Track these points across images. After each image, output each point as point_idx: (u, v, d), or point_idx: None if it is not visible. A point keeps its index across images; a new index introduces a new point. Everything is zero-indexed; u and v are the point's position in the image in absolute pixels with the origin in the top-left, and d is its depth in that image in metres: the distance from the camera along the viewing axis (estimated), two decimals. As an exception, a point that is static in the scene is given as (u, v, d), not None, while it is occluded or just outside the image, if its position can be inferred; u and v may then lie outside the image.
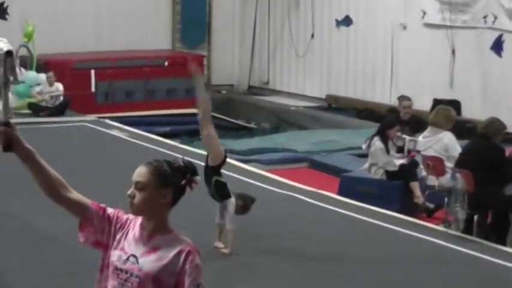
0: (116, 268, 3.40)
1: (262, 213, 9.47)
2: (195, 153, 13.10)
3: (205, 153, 13.18)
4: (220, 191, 8.09)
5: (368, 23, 18.54)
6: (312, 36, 19.90)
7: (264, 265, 7.88)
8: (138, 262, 3.38)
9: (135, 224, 3.45)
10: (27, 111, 16.58)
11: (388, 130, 10.89)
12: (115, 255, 3.42)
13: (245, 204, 8.16)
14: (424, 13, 17.18)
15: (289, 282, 7.54)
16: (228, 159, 12.66)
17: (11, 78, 3.44)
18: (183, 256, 3.38)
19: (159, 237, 3.41)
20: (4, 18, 18.93)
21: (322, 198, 10.34)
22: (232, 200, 8.06)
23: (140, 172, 3.41)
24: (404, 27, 17.69)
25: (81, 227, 3.49)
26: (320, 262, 8.04)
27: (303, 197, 10.38)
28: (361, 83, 18.77)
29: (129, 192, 3.40)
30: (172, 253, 3.38)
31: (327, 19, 19.56)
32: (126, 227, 3.46)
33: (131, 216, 3.47)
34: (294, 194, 10.50)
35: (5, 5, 18.96)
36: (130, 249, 3.41)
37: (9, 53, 3.43)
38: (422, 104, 15.51)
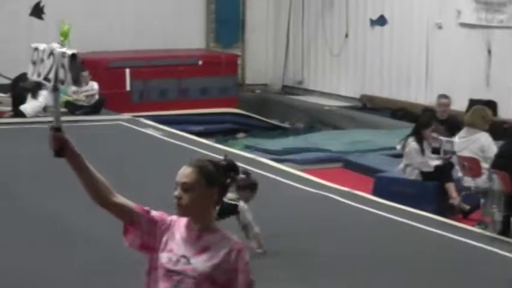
0: (168, 270, 3.39)
1: (296, 213, 9.45)
2: (228, 152, 13.11)
3: (239, 152, 13.22)
4: (225, 213, 7.67)
5: (403, 23, 18.43)
6: (346, 35, 19.82)
7: (298, 265, 7.86)
8: (190, 262, 3.38)
9: (180, 225, 3.45)
10: (63, 109, 16.69)
11: (423, 130, 10.81)
12: (164, 258, 3.40)
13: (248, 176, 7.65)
14: (460, 13, 17.04)
15: (323, 282, 7.51)
16: (262, 159, 12.73)
17: (69, 81, 3.40)
18: (234, 254, 3.39)
19: (207, 237, 3.41)
20: (41, 18, 19.08)
21: (356, 199, 10.29)
22: (242, 207, 7.76)
23: (186, 173, 3.41)
24: (440, 27, 17.57)
25: (125, 231, 3.48)
26: (354, 262, 8.00)
27: (337, 197, 10.34)
28: (396, 83, 18.66)
29: (176, 193, 3.39)
30: (223, 252, 3.39)
31: (361, 18, 19.47)
32: (171, 229, 3.45)
33: (174, 217, 3.47)
34: (328, 194, 10.46)
35: (41, 5, 19.11)
36: (180, 251, 3.40)
37: (73, 56, 3.40)
38: (458, 104, 15.39)
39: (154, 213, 3.48)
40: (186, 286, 3.37)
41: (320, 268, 7.82)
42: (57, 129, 3.41)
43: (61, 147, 3.41)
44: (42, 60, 3.45)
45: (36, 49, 3.51)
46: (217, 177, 3.42)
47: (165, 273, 3.39)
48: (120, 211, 3.46)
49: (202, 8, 21.08)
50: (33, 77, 3.49)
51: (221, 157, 3.55)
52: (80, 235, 8.57)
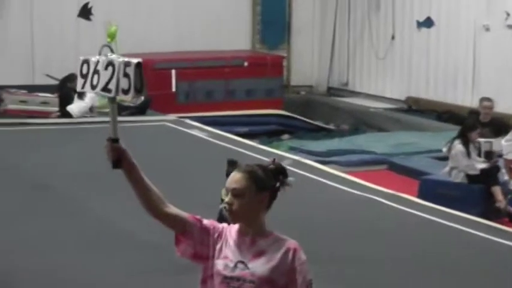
0: (225, 277, 3.39)
1: (340, 215, 9.44)
2: (273, 154, 13.12)
3: (283, 153, 13.25)
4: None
5: (450, 25, 18.29)
6: (393, 37, 19.73)
7: (341, 267, 7.84)
8: (247, 267, 3.38)
9: (232, 232, 3.45)
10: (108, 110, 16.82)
11: (469, 133, 10.73)
12: (220, 265, 3.40)
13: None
14: (508, 14, 16.87)
15: (368, 284, 7.49)
16: (306, 161, 12.72)
17: (132, 90, 3.36)
18: (290, 255, 3.39)
19: (261, 241, 3.41)
20: (88, 19, 19.28)
21: (401, 201, 10.24)
22: None
23: (236, 179, 3.41)
24: (487, 29, 17.40)
25: (177, 240, 3.47)
26: (398, 265, 7.96)
27: (381, 200, 10.30)
28: (442, 85, 18.53)
29: (227, 199, 3.39)
30: (279, 254, 3.39)
31: (407, 20, 19.37)
32: (224, 236, 3.45)
33: (225, 224, 3.47)
34: (372, 196, 10.43)
35: (89, 6, 19.30)
36: (235, 256, 3.40)
37: (139, 65, 3.38)
38: (505, 106, 15.24)
39: (206, 222, 3.48)
40: None
41: (364, 270, 7.80)
42: (114, 140, 3.41)
43: (119, 159, 3.41)
44: (96, 72, 3.42)
45: (86, 61, 3.48)
46: (267, 182, 3.42)
47: (222, 280, 3.39)
48: (173, 221, 3.46)
49: (248, 10, 21.13)
50: (84, 89, 3.48)
51: (268, 160, 3.54)
52: (124, 236, 8.64)
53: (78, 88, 3.51)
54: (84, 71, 3.46)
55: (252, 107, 18.64)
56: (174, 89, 18.47)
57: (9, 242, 8.40)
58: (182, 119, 16.17)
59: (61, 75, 16.80)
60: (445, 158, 11.52)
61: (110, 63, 3.39)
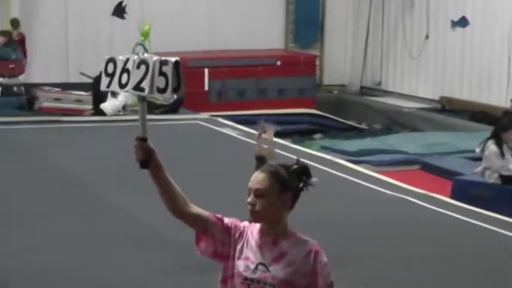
0: (246, 278, 3.37)
1: (373, 215, 9.40)
2: (305, 153, 13.12)
3: (315, 152, 13.24)
4: None
5: (485, 24, 18.16)
6: (427, 37, 19.63)
7: (373, 267, 7.82)
8: (268, 270, 3.36)
9: (253, 232, 3.43)
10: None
11: (503, 133, 10.64)
12: (241, 266, 3.38)
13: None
14: (544, 14, 16.73)
15: (398, 285, 7.46)
16: (338, 160, 12.69)
17: (169, 89, 3.31)
18: (312, 257, 3.38)
19: (283, 242, 3.39)
20: (122, 17, 19.39)
21: (434, 202, 10.18)
22: None
23: (259, 179, 3.38)
24: (523, 28, 17.27)
25: (198, 239, 3.45)
26: (431, 266, 7.92)
27: (414, 200, 10.25)
28: (477, 85, 18.40)
29: (249, 200, 3.37)
30: (301, 255, 3.38)
31: (442, 20, 19.26)
32: (245, 236, 3.42)
33: (246, 223, 3.45)
34: (405, 197, 10.38)
35: (123, 4, 19.41)
36: (257, 258, 3.38)
37: (177, 64, 3.32)
38: (540, 107, 15.10)
39: (227, 221, 3.45)
40: None
41: (395, 270, 7.77)
42: (143, 140, 3.38)
43: (147, 159, 3.37)
44: (125, 71, 3.36)
45: (111, 60, 3.42)
46: (290, 182, 3.39)
47: (242, 281, 3.37)
48: (194, 221, 3.44)
49: (281, 9, 21.13)
50: (109, 88, 3.42)
51: (293, 160, 3.52)
52: (151, 234, 8.67)
53: (103, 87, 3.44)
54: (110, 69, 3.41)
55: (284, 106, 18.64)
56: (206, 88, 18.51)
57: (41, 239, 8.47)
58: (214, 118, 16.21)
59: (95, 73, 16.91)
60: (478, 159, 11.44)
61: (143, 62, 3.33)
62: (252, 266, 3.37)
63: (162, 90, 3.33)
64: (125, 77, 3.37)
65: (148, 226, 8.91)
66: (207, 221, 3.43)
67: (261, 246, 3.39)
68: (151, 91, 3.33)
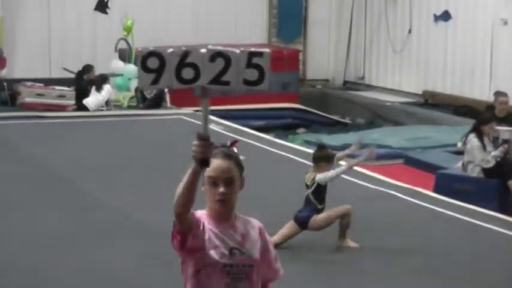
0: (225, 265, 3.35)
1: (356, 209, 9.41)
2: (289, 148, 13.13)
3: (299, 147, 13.23)
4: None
5: (467, 18, 18.21)
6: (409, 31, 19.67)
7: (359, 262, 7.83)
8: (243, 252, 3.39)
9: (205, 220, 3.39)
10: (124, 103, 16.88)
11: (483, 126, 10.68)
12: (214, 255, 3.35)
13: None
14: (526, 8, 16.79)
15: (384, 278, 7.48)
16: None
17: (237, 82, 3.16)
18: (263, 234, 3.48)
19: (238, 223, 3.43)
20: (105, 12, 19.31)
21: (417, 195, 10.21)
22: (321, 178, 7.98)
23: (224, 167, 3.36)
24: (505, 23, 17.31)
25: (181, 235, 3.36)
26: (416, 260, 7.94)
27: (397, 194, 10.28)
28: (459, 79, 18.46)
29: (222, 190, 3.34)
30: (256, 233, 3.46)
31: (425, 14, 19.30)
32: (204, 226, 3.38)
33: (199, 213, 3.40)
34: (388, 191, 10.41)
35: (105, 0, 19.33)
36: (226, 244, 3.37)
37: (257, 54, 3.21)
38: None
39: (196, 214, 3.40)
40: (244, 276, 3.38)
41: (380, 264, 7.78)
42: (207, 139, 3.21)
43: (208, 157, 3.19)
44: (187, 65, 3.15)
45: (153, 54, 3.13)
46: (241, 163, 3.44)
47: (221, 269, 3.36)
48: (188, 219, 3.35)
49: (264, 3, 21.12)
50: (159, 86, 3.17)
51: (224, 139, 3.50)
52: (138, 228, 8.66)
53: (145, 84, 3.15)
54: (153, 65, 3.13)
55: (268, 101, 18.62)
56: (190, 83, 18.45)
57: (23, 234, 8.43)
58: (198, 112, 16.18)
59: (78, 68, 16.86)
60: (461, 153, 11.47)
61: (220, 55, 3.18)
62: (227, 252, 3.36)
63: (252, 83, 3.23)
64: (188, 71, 3.17)
65: (134, 220, 8.89)
66: (192, 217, 3.39)
67: (222, 232, 3.38)
68: (237, 84, 3.22)
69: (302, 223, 7.98)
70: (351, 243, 8.09)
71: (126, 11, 18.30)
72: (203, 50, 3.16)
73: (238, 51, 3.19)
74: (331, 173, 8.02)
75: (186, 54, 3.15)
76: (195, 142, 3.19)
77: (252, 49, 3.22)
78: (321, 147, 8.27)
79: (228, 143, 3.50)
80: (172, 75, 3.15)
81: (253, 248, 3.42)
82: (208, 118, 3.26)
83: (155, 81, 3.14)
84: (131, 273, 7.42)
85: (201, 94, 3.23)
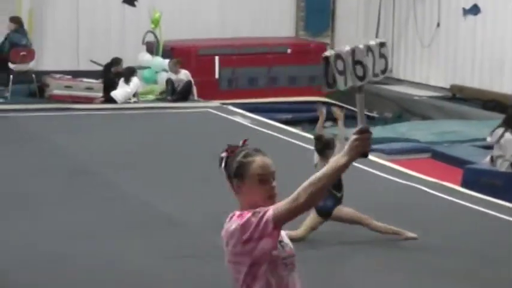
0: (284, 258, 3.38)
1: (384, 203, 9.39)
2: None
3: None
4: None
5: (496, 12, 18.06)
6: (438, 25, 19.55)
7: (383, 255, 7.81)
8: (286, 244, 3.44)
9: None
10: (152, 96, 16.93)
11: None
12: (276, 250, 3.35)
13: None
14: (556, 2, 16.62)
15: (409, 273, 7.45)
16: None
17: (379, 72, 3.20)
18: None
19: None
20: (133, 5, 19.36)
21: (444, 190, 10.17)
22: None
23: (270, 163, 3.44)
24: (535, 16, 17.16)
25: (271, 235, 3.32)
26: (442, 255, 7.91)
27: (425, 188, 10.23)
28: (488, 73, 18.32)
29: (274, 185, 3.40)
30: None
31: (453, 8, 19.16)
32: None
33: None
34: (415, 185, 10.36)
35: (134, -8, 19.39)
36: (274, 238, 3.34)
37: (382, 44, 3.24)
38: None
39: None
40: (293, 267, 3.42)
41: (406, 259, 7.76)
42: (370, 131, 3.29)
43: (369, 149, 3.28)
44: (357, 63, 3.20)
45: (338, 56, 3.19)
46: None
47: (281, 263, 3.37)
48: None
49: (292, -4, 21.07)
50: (348, 85, 3.22)
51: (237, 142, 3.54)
52: (163, 221, 8.69)
53: (342, 87, 3.23)
54: (341, 67, 3.20)
55: (295, 94, 18.61)
56: (217, 76, 18.49)
57: (51, 226, 8.49)
58: (225, 106, 16.20)
59: (106, 60, 16.92)
60: (489, 147, 11.39)
61: (369, 49, 3.23)
62: (279, 246, 3.39)
63: (382, 72, 3.29)
64: (359, 69, 3.22)
65: (159, 212, 8.92)
66: None
67: None
68: (375, 75, 3.28)
69: (327, 213, 8.02)
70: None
71: (154, 3, 18.33)
72: (360, 46, 3.21)
73: (373, 42, 3.24)
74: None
75: (353, 51, 3.20)
76: (358, 136, 3.24)
77: (378, 40, 3.26)
78: (318, 138, 8.27)
79: (241, 143, 3.55)
80: (351, 74, 3.22)
81: (286, 238, 3.47)
82: (364, 111, 3.33)
83: (347, 82, 3.24)
84: (156, 266, 7.44)
85: (357, 90, 3.26)
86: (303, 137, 13.41)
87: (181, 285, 7.09)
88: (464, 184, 10.78)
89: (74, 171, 10.77)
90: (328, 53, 3.19)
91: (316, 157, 8.19)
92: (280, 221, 3.28)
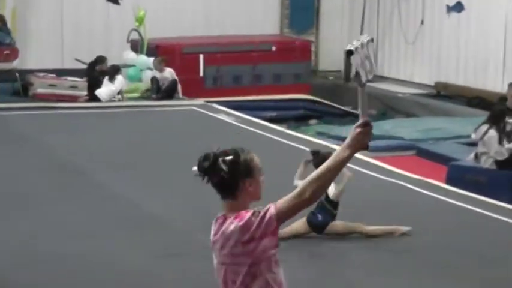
0: (274, 255, 3.38)
1: (369, 201, 9.41)
2: (299, 139, 13.11)
3: (311, 138, 13.18)
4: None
5: (480, 9, 18.12)
6: (422, 22, 19.60)
7: (367, 252, 7.83)
8: None
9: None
10: (137, 94, 16.90)
11: (501, 119, 10.65)
12: (274, 251, 3.37)
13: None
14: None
15: (394, 270, 7.47)
16: (334, 146, 12.68)
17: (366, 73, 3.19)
18: None
19: None
20: (117, 3, 19.31)
21: (429, 187, 10.19)
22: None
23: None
24: (519, 13, 17.22)
25: (273, 232, 3.34)
26: (426, 251, 7.93)
27: (410, 185, 10.26)
28: (472, 70, 18.38)
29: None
30: None
31: (437, 5, 19.20)
32: None
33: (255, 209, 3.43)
34: (400, 182, 10.39)
35: (118, -10, 19.33)
36: (276, 235, 3.35)
37: (372, 41, 3.26)
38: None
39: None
40: (279, 263, 3.41)
41: (390, 256, 7.78)
42: (371, 124, 3.35)
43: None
44: (366, 57, 3.23)
45: (357, 50, 3.19)
46: None
47: (273, 260, 3.37)
48: None
49: (276, -6, 21.06)
50: (364, 80, 3.24)
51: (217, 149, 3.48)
52: (151, 220, 8.67)
53: (364, 80, 3.24)
54: (359, 61, 3.24)
55: (280, 92, 18.62)
56: (201, 74, 18.47)
57: (36, 225, 8.46)
58: (210, 104, 16.19)
59: (90, 59, 16.87)
60: (473, 144, 11.43)
61: (370, 42, 3.27)
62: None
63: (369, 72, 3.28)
64: (367, 63, 3.26)
65: (146, 212, 8.90)
66: None
67: None
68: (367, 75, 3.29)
69: (317, 228, 8.02)
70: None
71: (139, 1, 18.28)
72: (365, 40, 3.23)
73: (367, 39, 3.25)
74: (340, 186, 7.99)
75: (362, 46, 3.22)
76: (362, 129, 3.29)
77: (368, 36, 3.28)
78: (314, 153, 8.07)
79: (216, 148, 3.49)
80: (362, 69, 3.23)
81: None
82: (367, 104, 3.35)
83: (366, 76, 3.27)
84: (145, 264, 7.43)
85: (360, 84, 3.26)
86: (287, 135, 13.42)
87: (172, 283, 7.08)
88: (449, 181, 10.81)
89: (57, 169, 10.73)
90: (352, 46, 3.18)
91: (299, 172, 8.01)
92: (283, 217, 3.29)
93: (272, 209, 3.29)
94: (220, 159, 3.37)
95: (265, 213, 3.29)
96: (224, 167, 3.35)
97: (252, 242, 3.29)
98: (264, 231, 3.28)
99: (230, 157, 3.38)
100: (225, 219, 3.37)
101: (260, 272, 3.34)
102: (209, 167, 3.37)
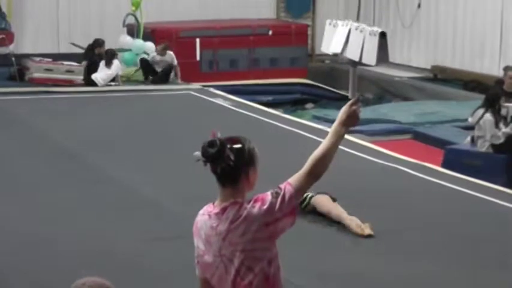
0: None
1: (365, 185, 9.42)
2: (296, 123, 13.11)
3: (307, 122, 13.18)
4: None
5: (477, -8, 18.10)
6: (419, 6, 19.57)
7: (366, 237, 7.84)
8: None
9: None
10: (133, 78, 16.89)
11: (497, 102, 10.66)
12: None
13: None
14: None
15: (392, 255, 7.49)
16: (330, 130, 12.67)
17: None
18: None
19: None
20: (112, -13, 19.26)
21: (425, 171, 10.20)
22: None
23: None
24: (516, -3, 17.21)
25: (292, 213, 3.37)
26: (423, 235, 7.95)
27: (406, 169, 10.27)
28: (469, 53, 18.37)
29: None
30: None
31: (434, -12, 19.19)
32: None
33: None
34: (397, 166, 10.39)
35: (113, -26, 19.27)
36: (295, 213, 3.40)
37: (382, 34, 3.38)
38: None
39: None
40: None
41: (388, 241, 7.79)
42: (356, 102, 3.46)
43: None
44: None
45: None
46: None
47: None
48: None
49: (273, -22, 21.01)
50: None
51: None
52: (145, 204, 8.68)
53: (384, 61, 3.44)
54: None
55: (276, 76, 18.61)
56: (198, 58, 18.45)
57: (32, 209, 8.47)
58: (206, 88, 16.17)
59: (86, 43, 16.83)
60: (470, 128, 11.44)
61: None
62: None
63: None
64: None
65: (141, 196, 8.91)
66: None
67: None
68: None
69: None
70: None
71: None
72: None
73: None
74: None
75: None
76: (354, 107, 3.41)
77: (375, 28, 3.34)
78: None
79: (213, 134, 3.41)
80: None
81: None
82: (355, 84, 3.48)
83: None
84: (137, 248, 7.44)
85: (352, 64, 3.40)
86: (284, 119, 13.42)
87: (164, 265, 7.09)
88: (445, 164, 10.83)
89: (54, 154, 10.73)
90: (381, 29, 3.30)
91: None
92: (300, 196, 3.35)
93: (290, 187, 3.31)
94: (228, 146, 3.32)
95: (284, 193, 3.29)
96: (231, 155, 3.31)
97: (273, 223, 3.28)
98: (286, 211, 3.29)
99: (238, 145, 3.34)
100: (240, 205, 3.32)
101: (274, 255, 3.35)
102: (215, 154, 3.31)
